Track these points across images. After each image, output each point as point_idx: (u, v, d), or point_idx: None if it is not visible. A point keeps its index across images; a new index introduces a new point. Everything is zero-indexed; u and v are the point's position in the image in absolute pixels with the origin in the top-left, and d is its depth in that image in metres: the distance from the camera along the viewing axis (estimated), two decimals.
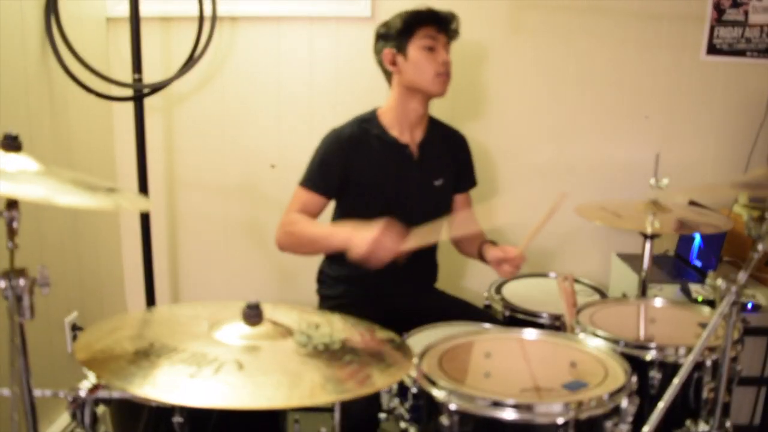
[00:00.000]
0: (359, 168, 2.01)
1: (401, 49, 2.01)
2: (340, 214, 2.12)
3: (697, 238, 2.56)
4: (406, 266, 2.19)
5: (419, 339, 1.77)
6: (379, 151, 2.04)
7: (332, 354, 1.25)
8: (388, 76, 2.10)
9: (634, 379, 1.44)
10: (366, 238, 1.73)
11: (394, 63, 2.03)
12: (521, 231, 2.07)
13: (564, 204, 1.96)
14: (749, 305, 2.21)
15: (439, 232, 1.90)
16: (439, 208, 2.17)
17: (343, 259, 2.08)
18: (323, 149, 2.03)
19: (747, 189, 1.51)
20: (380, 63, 2.09)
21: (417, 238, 1.81)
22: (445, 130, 2.23)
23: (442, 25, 2.02)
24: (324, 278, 2.18)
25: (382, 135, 2.06)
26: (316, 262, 2.23)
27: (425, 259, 2.23)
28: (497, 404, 1.32)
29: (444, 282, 2.39)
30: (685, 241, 2.66)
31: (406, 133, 2.08)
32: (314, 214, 2.03)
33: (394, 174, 2.07)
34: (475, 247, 2.17)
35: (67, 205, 1.12)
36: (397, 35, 2.01)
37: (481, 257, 2.15)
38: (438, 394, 1.38)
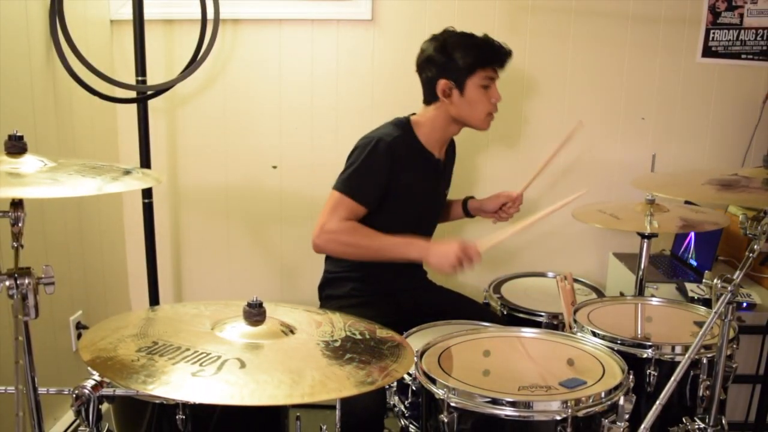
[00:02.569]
0: (403, 180, 1.98)
1: (459, 84, 1.96)
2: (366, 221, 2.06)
3: (693, 237, 2.58)
4: (411, 263, 2.23)
5: (419, 337, 1.79)
6: (421, 165, 2.05)
7: (333, 351, 1.27)
8: (432, 97, 2.03)
9: (631, 376, 1.46)
10: (450, 252, 1.76)
11: (447, 95, 1.99)
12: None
13: (578, 133, 2.05)
14: (744, 304, 2.23)
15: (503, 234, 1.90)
16: (440, 213, 2.30)
17: (353, 260, 2.11)
18: (369, 158, 1.92)
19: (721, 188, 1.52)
20: (429, 87, 2.02)
21: (489, 242, 1.84)
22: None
23: (504, 64, 2.02)
24: (330, 279, 2.19)
25: (421, 150, 2.06)
26: (317, 262, 2.24)
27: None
28: (496, 402, 1.34)
29: (444, 281, 2.41)
30: (681, 240, 2.67)
31: (437, 149, 2.11)
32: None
33: (431, 187, 2.13)
34: (455, 208, 2.33)
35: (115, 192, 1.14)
36: (462, 69, 1.95)
37: (467, 213, 2.32)
38: (437, 391, 1.40)
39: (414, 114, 2.10)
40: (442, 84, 1.98)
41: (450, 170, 2.27)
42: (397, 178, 1.96)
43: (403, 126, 2.04)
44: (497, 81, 2.03)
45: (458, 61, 1.95)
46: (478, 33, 2.01)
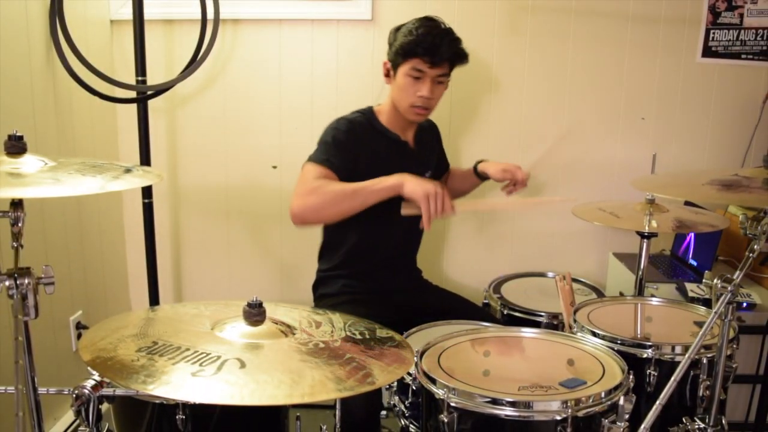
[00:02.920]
0: (367, 159, 1.99)
1: (394, 67, 2.00)
2: None
3: (693, 237, 2.58)
4: (403, 261, 2.23)
5: (419, 337, 1.79)
6: (385, 146, 2.06)
7: (333, 351, 1.27)
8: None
9: (631, 376, 1.46)
10: (425, 183, 1.71)
11: (387, 75, 2.04)
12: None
13: (565, 136, 2.02)
14: (744, 304, 2.23)
15: (486, 204, 1.85)
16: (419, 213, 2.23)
17: (344, 258, 2.11)
18: (336, 132, 1.98)
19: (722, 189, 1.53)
20: None
21: (467, 204, 1.80)
22: (426, 121, 2.23)
23: (438, 63, 1.95)
24: (322, 277, 2.19)
25: (383, 130, 2.07)
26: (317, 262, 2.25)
27: (413, 253, 2.27)
28: (496, 402, 1.34)
29: (443, 281, 2.41)
30: (681, 240, 2.67)
31: (400, 131, 2.11)
32: None
33: (398, 169, 2.07)
34: (467, 174, 2.27)
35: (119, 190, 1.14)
36: (394, 53, 1.99)
37: (477, 174, 2.24)
38: (437, 391, 1.40)
39: (379, 105, 2.13)
40: (383, 63, 2.04)
41: (428, 155, 2.23)
42: (361, 157, 1.96)
43: (365, 113, 2.09)
44: (440, 78, 1.98)
45: (396, 44, 1.98)
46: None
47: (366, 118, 2.07)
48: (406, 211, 1.74)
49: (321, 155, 1.93)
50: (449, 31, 1.98)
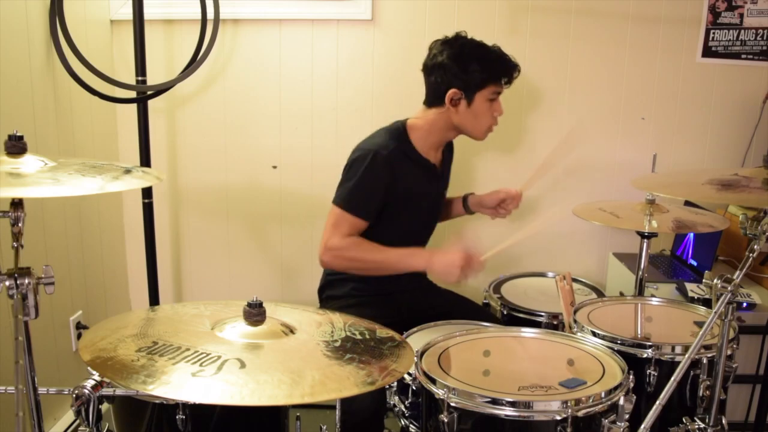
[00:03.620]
0: (401, 189, 1.99)
1: (469, 95, 1.96)
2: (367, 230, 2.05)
3: (693, 237, 2.58)
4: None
5: (419, 337, 1.79)
6: (418, 173, 2.05)
7: (333, 351, 1.27)
8: (437, 101, 2.01)
9: (631, 376, 1.46)
10: (454, 262, 1.77)
11: (455, 104, 1.98)
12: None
13: (575, 140, 2.09)
14: (744, 304, 2.23)
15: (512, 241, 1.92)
16: (440, 214, 2.30)
17: None
18: (367, 172, 1.92)
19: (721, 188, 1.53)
20: (437, 91, 2.00)
21: (490, 252, 1.87)
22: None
23: (513, 80, 2.02)
24: (330, 281, 2.19)
25: (417, 158, 2.05)
26: (317, 262, 2.23)
27: None
28: (496, 402, 1.34)
29: (443, 281, 2.41)
30: (681, 240, 2.67)
31: (432, 153, 2.10)
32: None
33: (429, 193, 2.13)
34: (456, 205, 2.34)
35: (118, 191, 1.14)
36: (471, 82, 1.95)
37: (467, 209, 2.32)
38: (437, 391, 1.40)
39: (409, 118, 2.08)
40: (451, 93, 1.96)
41: (447, 171, 2.27)
42: (396, 188, 1.97)
43: (399, 134, 2.02)
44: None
45: (473, 73, 1.94)
46: (489, 42, 2.00)
47: (400, 145, 2.00)
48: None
49: (352, 199, 1.92)
50: (500, 49, 2.02)
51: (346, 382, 1.15)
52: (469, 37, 2.01)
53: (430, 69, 2.01)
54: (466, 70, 1.94)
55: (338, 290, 2.15)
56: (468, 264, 1.77)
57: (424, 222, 2.18)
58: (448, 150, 2.24)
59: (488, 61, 1.96)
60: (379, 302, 2.06)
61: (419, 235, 2.19)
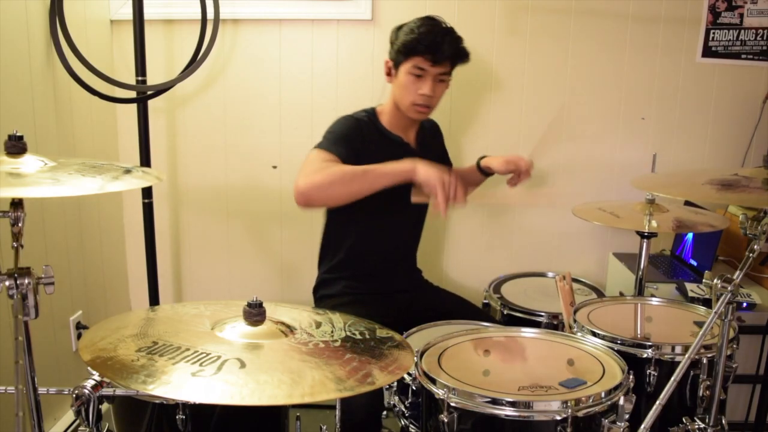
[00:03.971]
0: (369, 159, 1.94)
1: (396, 65, 2.01)
2: (342, 215, 2.12)
3: (693, 237, 2.58)
4: (403, 261, 2.23)
5: (419, 337, 1.79)
6: (387, 148, 2.04)
7: (333, 351, 1.27)
8: None
9: (631, 376, 1.46)
10: (435, 170, 1.69)
11: (389, 74, 2.05)
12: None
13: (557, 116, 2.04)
14: (744, 304, 2.23)
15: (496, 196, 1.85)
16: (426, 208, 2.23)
17: (344, 259, 2.11)
18: (342, 126, 2.00)
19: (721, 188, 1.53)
20: None
21: (477, 197, 1.80)
22: (427, 120, 2.24)
23: (439, 61, 1.95)
24: (323, 280, 2.19)
25: (385, 132, 2.07)
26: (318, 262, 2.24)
27: (413, 253, 2.28)
28: (496, 402, 1.34)
29: (443, 281, 2.41)
30: (681, 240, 2.67)
31: (402, 132, 2.11)
32: None
33: None
34: (471, 171, 2.24)
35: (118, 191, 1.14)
36: (396, 51, 1.99)
37: (480, 170, 2.22)
38: (437, 391, 1.40)
39: (381, 105, 2.13)
40: (385, 62, 2.04)
41: (430, 156, 2.21)
42: (365, 153, 1.93)
43: (367, 113, 2.09)
44: (441, 77, 1.99)
45: (398, 42, 1.98)
46: (470, 36, 1.99)
47: (369, 118, 2.07)
48: (416, 198, 1.73)
49: (328, 143, 1.94)
50: (451, 30, 1.99)
51: (345, 382, 1.15)
52: (437, 17, 2.01)
53: None
54: (395, 40, 2.00)
55: (332, 289, 2.15)
56: (452, 182, 1.67)
57: (407, 213, 2.12)
58: (429, 133, 2.22)
59: (413, 33, 1.95)
60: (373, 300, 2.06)
61: (403, 228, 2.17)
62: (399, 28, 2.03)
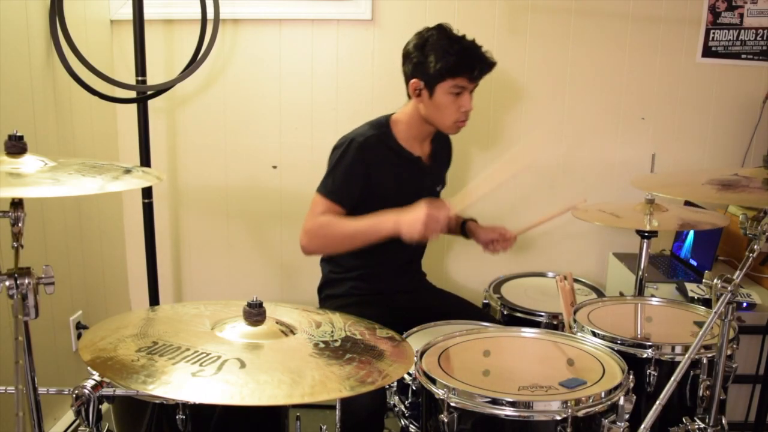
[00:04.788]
0: (379, 179, 1.98)
1: (430, 87, 1.93)
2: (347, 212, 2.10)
3: (693, 237, 2.58)
4: (410, 264, 2.23)
5: (419, 337, 1.79)
6: (398, 164, 2.04)
7: (333, 351, 1.27)
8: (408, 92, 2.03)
9: (631, 376, 1.46)
10: (418, 218, 1.72)
11: (418, 95, 1.97)
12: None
13: (570, 210, 2.08)
14: (744, 304, 2.23)
15: (475, 191, 1.88)
16: None
17: (353, 261, 2.11)
18: (345, 159, 1.95)
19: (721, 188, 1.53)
20: (406, 82, 2.01)
21: (458, 203, 1.83)
22: (440, 134, 2.22)
23: (478, 76, 1.95)
24: (329, 280, 2.20)
25: (398, 149, 2.05)
26: (317, 261, 2.24)
27: (420, 256, 2.28)
28: (496, 402, 1.34)
29: (443, 281, 2.41)
30: (681, 240, 2.67)
31: (417, 146, 2.09)
32: None
33: (411, 186, 2.08)
34: (453, 224, 2.28)
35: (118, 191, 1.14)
36: (432, 74, 1.91)
37: (464, 234, 2.28)
38: (437, 391, 1.40)
39: (395, 112, 2.10)
40: (413, 83, 1.96)
41: (442, 167, 2.25)
42: (372, 177, 1.96)
43: (381, 125, 2.04)
44: (473, 89, 1.99)
45: (431, 64, 1.90)
46: (470, 36, 1.97)
47: (380, 135, 2.01)
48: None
49: (329, 187, 1.95)
50: (475, 43, 1.96)
51: (345, 382, 1.15)
52: (448, 27, 1.97)
53: (402, 58, 2.02)
54: (425, 59, 1.93)
55: (337, 289, 2.15)
56: (431, 219, 1.71)
57: None
58: (440, 145, 2.20)
59: (448, 53, 1.90)
60: (378, 301, 2.06)
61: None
62: (421, 46, 1.94)
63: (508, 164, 1.89)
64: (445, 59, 1.89)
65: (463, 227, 2.28)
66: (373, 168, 1.96)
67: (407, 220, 1.75)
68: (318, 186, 1.97)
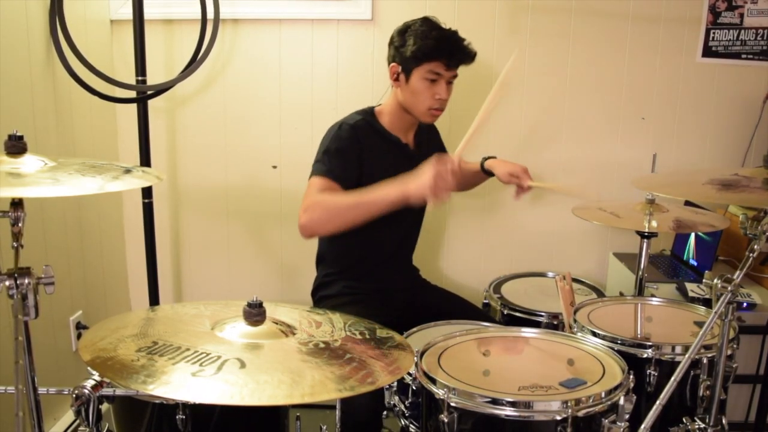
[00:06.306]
0: (371, 163, 1.98)
1: (406, 71, 1.97)
2: None
3: (693, 237, 2.58)
4: (400, 260, 2.23)
5: (419, 337, 1.79)
6: (386, 150, 2.05)
7: (333, 352, 1.27)
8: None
9: (631, 376, 1.46)
10: (425, 181, 1.66)
11: (396, 79, 2.01)
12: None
13: (584, 194, 2.09)
14: (744, 304, 2.23)
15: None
16: (422, 210, 2.25)
17: (343, 260, 2.11)
18: (338, 139, 1.96)
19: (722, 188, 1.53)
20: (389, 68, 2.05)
21: (459, 150, 1.81)
22: (423, 124, 2.20)
23: (455, 64, 1.97)
24: (322, 281, 2.19)
25: (386, 134, 2.07)
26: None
27: (410, 252, 2.27)
28: (496, 402, 1.34)
29: (443, 281, 2.41)
30: (682, 240, 2.67)
31: (402, 133, 2.10)
32: None
33: (401, 171, 2.05)
34: (474, 171, 2.26)
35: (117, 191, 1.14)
36: (408, 57, 1.95)
37: (485, 172, 2.23)
38: (437, 391, 1.40)
39: (380, 105, 2.12)
40: (392, 67, 2.00)
41: (428, 156, 2.20)
42: (364, 163, 1.96)
43: (366, 113, 2.07)
44: (451, 79, 2.00)
45: (408, 48, 1.94)
46: (469, 36, 1.98)
47: (367, 120, 2.06)
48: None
49: (323, 166, 1.92)
50: (457, 33, 1.98)
51: (345, 382, 1.15)
52: (434, 18, 2.00)
53: (387, 45, 2.05)
54: (403, 44, 1.96)
55: (331, 289, 2.15)
56: (440, 176, 1.65)
57: (406, 212, 2.02)
58: (428, 135, 2.21)
59: (426, 38, 1.93)
60: (373, 300, 2.06)
61: (402, 227, 2.16)
62: (403, 31, 2.00)
63: (493, 96, 1.87)
64: (423, 43, 1.92)
65: (482, 168, 2.23)
66: (366, 152, 1.97)
67: (415, 184, 1.69)
68: (311, 172, 1.94)
